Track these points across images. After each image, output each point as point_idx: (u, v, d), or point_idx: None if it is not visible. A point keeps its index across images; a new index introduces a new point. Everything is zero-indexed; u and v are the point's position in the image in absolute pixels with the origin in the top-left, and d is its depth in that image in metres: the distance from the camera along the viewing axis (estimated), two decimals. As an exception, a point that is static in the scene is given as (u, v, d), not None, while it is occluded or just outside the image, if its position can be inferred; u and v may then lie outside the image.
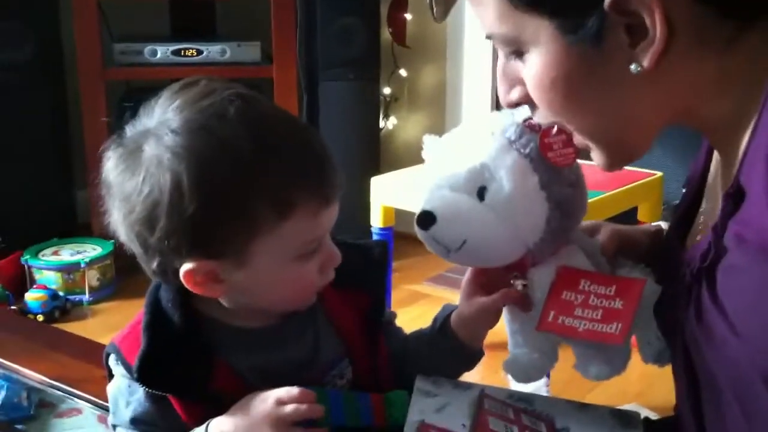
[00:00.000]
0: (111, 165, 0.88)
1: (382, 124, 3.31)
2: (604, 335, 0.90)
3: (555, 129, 0.90)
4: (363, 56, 3.04)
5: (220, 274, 0.87)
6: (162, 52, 2.90)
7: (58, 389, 1.46)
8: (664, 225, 1.06)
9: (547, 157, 0.90)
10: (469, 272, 0.99)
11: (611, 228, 1.00)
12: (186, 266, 0.86)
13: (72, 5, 2.82)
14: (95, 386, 1.36)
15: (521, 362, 0.98)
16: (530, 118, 0.91)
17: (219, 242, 0.85)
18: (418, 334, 1.04)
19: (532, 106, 0.86)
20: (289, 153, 0.86)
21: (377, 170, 2.84)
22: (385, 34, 3.22)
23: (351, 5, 2.99)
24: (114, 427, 0.94)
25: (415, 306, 2.77)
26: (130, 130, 0.88)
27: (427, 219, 0.92)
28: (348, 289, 0.98)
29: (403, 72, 3.31)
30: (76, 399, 1.45)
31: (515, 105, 0.87)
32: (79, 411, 1.93)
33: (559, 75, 0.79)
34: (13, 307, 2.65)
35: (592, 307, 0.91)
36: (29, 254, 2.83)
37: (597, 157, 0.87)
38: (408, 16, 3.22)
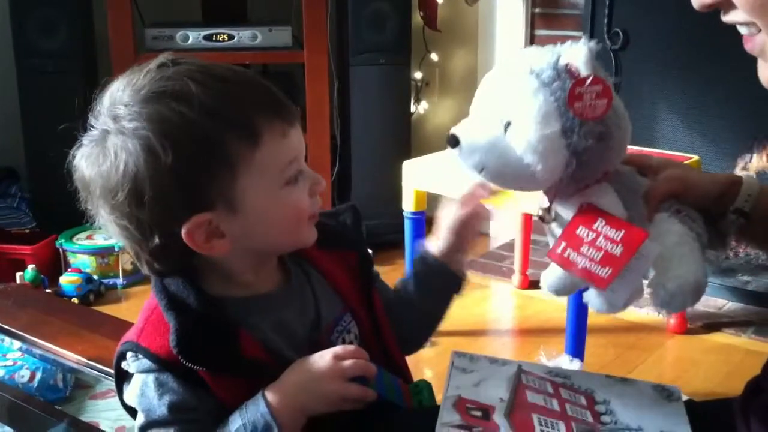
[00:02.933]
0: (82, 163, 0.90)
1: (413, 108, 3.30)
2: (593, 276, 0.93)
3: (590, 79, 0.91)
4: (394, 40, 3.03)
5: (219, 226, 0.90)
6: (194, 37, 2.91)
7: (95, 369, 1.47)
8: (746, 176, 1.05)
9: (572, 107, 0.91)
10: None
11: (671, 174, 1.01)
12: (185, 227, 0.88)
13: (105, -9, 2.84)
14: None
15: (547, 278, 1.05)
16: (572, 64, 0.92)
17: (206, 189, 0.88)
18: (404, 280, 1.11)
19: (727, 7, 0.83)
20: (237, 86, 0.90)
21: (408, 155, 2.83)
22: (417, 18, 3.21)
23: (382, -12, 2.98)
24: (145, 429, 0.92)
25: (446, 291, 2.76)
26: (89, 128, 0.91)
27: (452, 141, 0.99)
28: (334, 249, 1.03)
29: (434, 56, 3.30)
30: (112, 379, 1.46)
31: (708, 6, 0.85)
32: (114, 392, 1.95)
33: None
34: (48, 291, 2.68)
35: (597, 247, 0.94)
36: (64, 238, 2.86)
37: None
38: (439, 0, 3.20)
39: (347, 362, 0.92)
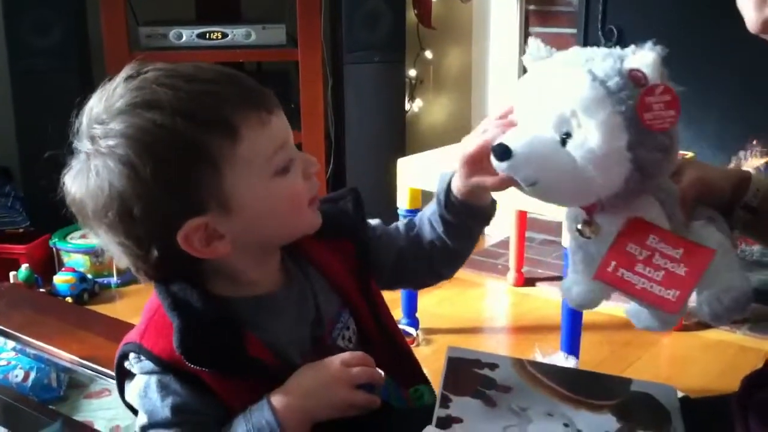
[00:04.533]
0: (71, 187, 0.90)
1: (407, 106, 3.29)
2: (660, 299, 0.88)
3: (661, 88, 0.86)
4: (388, 38, 3.03)
5: (216, 228, 0.89)
6: (187, 35, 2.90)
7: (89, 369, 1.47)
8: (753, 170, 1.04)
9: (642, 119, 0.85)
10: (466, 153, 0.97)
11: (694, 176, 0.98)
12: (180, 234, 0.87)
13: (98, -11, 2.83)
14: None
15: (573, 292, 0.99)
16: (638, 70, 0.87)
17: (194, 193, 0.87)
18: (425, 218, 1.06)
19: None
20: (207, 84, 0.89)
21: (403, 152, 2.83)
22: (411, 15, 3.20)
23: (376, -14, 2.99)
24: (147, 430, 0.91)
25: (441, 289, 2.77)
26: (75, 150, 0.90)
27: (503, 153, 0.90)
28: (330, 238, 1.00)
29: (428, 54, 3.29)
30: (106, 378, 1.46)
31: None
32: (109, 391, 1.95)
33: None
34: (41, 290, 2.67)
35: (654, 266, 0.89)
36: (57, 237, 2.85)
37: None
38: (433, -2, 3.20)
39: (355, 369, 0.91)
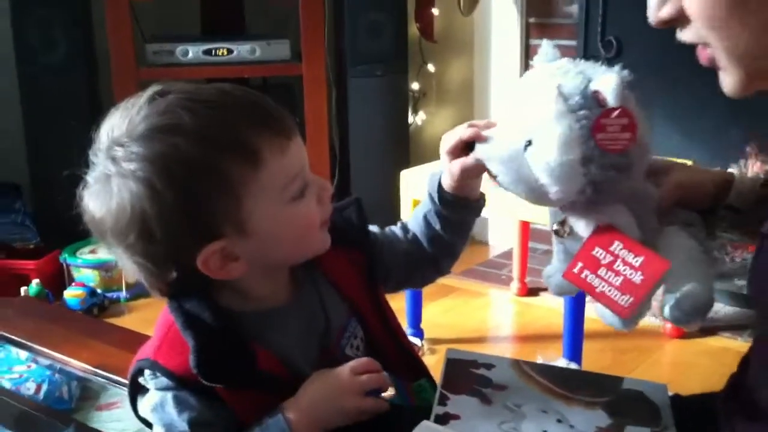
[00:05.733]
0: (90, 205, 0.90)
1: (410, 119, 3.33)
2: (615, 304, 0.93)
3: (618, 111, 0.90)
4: (391, 52, 3.07)
5: (233, 252, 0.91)
6: (193, 51, 2.93)
7: (101, 377, 1.49)
8: (736, 171, 1.06)
9: (595, 138, 0.90)
10: (449, 146, 1.03)
11: (676, 181, 1.02)
12: (200, 258, 0.89)
13: (105, 6, 2.87)
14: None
15: (553, 280, 1.06)
16: (597, 92, 0.91)
17: (214, 218, 0.88)
18: (425, 214, 1.08)
19: (681, 23, 0.86)
20: (230, 109, 0.90)
21: (407, 164, 2.86)
22: (413, 29, 3.24)
23: (379, 1, 3.03)
24: None
25: (446, 299, 2.79)
26: (91, 170, 0.91)
27: (471, 146, 1.00)
28: (342, 246, 1.02)
29: (431, 67, 3.33)
30: (118, 386, 1.48)
31: (665, 23, 0.87)
32: (119, 403, 1.97)
33: None
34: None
35: (615, 271, 0.94)
36: (67, 253, 2.88)
37: (731, 81, 0.87)
38: (435, 11, 3.23)
39: (363, 377, 0.94)
